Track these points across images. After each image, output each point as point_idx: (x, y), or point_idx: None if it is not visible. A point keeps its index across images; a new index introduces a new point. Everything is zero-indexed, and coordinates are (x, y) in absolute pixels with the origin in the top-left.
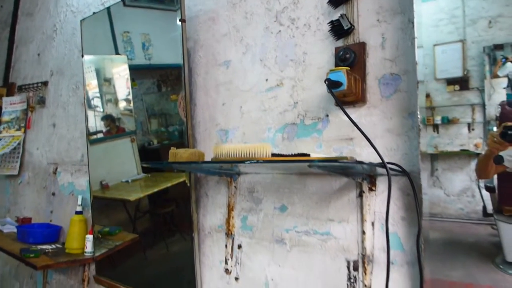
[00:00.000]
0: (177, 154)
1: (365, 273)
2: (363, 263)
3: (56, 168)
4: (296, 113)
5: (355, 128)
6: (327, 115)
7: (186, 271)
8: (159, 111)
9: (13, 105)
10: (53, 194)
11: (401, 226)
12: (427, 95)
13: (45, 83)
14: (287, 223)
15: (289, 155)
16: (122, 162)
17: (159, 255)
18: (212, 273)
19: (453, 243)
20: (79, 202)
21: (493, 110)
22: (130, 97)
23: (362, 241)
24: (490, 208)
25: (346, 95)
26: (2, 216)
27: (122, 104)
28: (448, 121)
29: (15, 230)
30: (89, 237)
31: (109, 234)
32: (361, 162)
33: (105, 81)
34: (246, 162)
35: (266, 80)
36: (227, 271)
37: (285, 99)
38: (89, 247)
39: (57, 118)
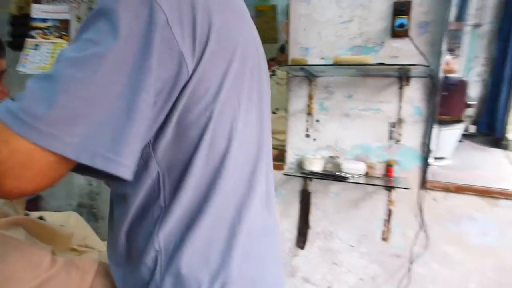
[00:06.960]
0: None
1: (400, 127)
2: (399, 122)
3: None
4: (362, 39)
5: (398, 50)
6: (383, 42)
7: None
8: None
9: None
10: None
11: (423, 103)
12: None
13: None
14: (352, 105)
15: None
16: None
17: None
18: (295, 138)
19: None
20: None
21: None
22: None
23: (399, 111)
24: None
25: (400, 32)
26: None
27: None
28: None
29: None
30: None
31: None
32: (397, 64)
33: None
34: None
35: (340, 16)
36: (307, 135)
37: (354, 30)
38: None
39: None
